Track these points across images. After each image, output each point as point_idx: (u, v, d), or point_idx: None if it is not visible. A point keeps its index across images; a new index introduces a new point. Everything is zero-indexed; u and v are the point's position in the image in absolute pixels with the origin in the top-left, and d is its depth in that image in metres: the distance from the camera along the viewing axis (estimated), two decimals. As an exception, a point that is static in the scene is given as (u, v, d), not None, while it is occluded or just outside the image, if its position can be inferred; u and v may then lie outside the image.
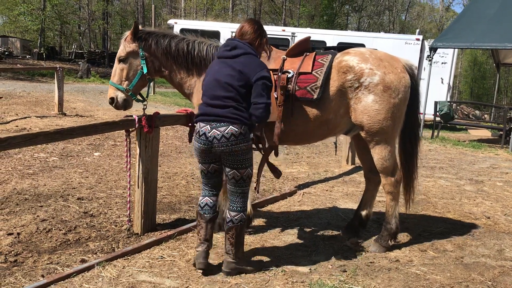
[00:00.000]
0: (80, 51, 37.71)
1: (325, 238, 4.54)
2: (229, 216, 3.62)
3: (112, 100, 4.25)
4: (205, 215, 3.69)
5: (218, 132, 3.40)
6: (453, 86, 18.46)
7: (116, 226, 4.66)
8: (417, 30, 18.64)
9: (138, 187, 4.45)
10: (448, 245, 4.53)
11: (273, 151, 4.13)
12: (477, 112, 22.41)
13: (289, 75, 4.00)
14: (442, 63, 15.74)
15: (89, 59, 33.83)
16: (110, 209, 5.11)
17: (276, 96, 3.98)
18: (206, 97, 3.52)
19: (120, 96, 4.22)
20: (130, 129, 4.36)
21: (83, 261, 3.82)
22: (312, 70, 4.01)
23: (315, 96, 3.97)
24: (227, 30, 16.79)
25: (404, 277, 3.78)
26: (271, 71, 4.01)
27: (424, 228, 4.96)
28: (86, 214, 4.92)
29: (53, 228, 4.46)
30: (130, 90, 4.21)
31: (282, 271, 3.74)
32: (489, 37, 11.40)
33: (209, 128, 3.43)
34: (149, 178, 4.47)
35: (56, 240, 4.23)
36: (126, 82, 4.21)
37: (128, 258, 3.88)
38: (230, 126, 3.39)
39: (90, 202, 5.31)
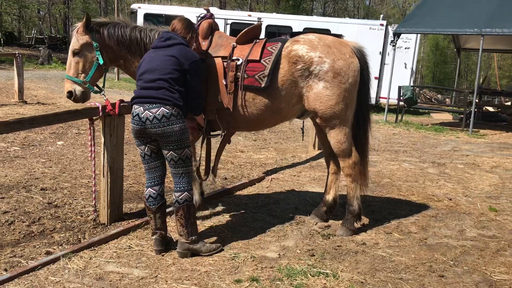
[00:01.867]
0: (40, 37, 36.37)
1: (293, 223, 4.59)
2: (174, 197, 3.71)
3: (70, 94, 4.19)
4: (151, 206, 3.76)
5: (150, 114, 3.48)
6: (416, 70, 18.80)
7: (81, 216, 4.57)
8: (381, 16, 18.85)
9: (104, 177, 4.37)
10: (413, 227, 4.65)
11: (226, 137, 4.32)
12: (439, 96, 22.94)
13: (238, 63, 4.04)
14: (406, 48, 16.01)
15: (50, 44, 32.68)
16: (75, 199, 5.00)
17: (225, 83, 4.06)
18: (141, 81, 3.63)
19: (78, 89, 4.19)
20: (94, 118, 4.27)
21: (48, 253, 3.74)
22: (260, 58, 4.05)
23: (262, 85, 4.02)
24: (192, 15, 16.53)
25: (370, 259, 3.86)
26: (220, 58, 4.11)
27: (389, 211, 5.08)
28: (51, 205, 4.80)
29: (16, 220, 4.34)
30: (87, 82, 4.19)
31: (251, 257, 3.77)
32: (450, 23, 11.65)
33: (142, 110, 3.52)
34: (114, 167, 4.39)
35: (19, 232, 4.12)
36: (83, 74, 4.18)
37: (94, 249, 3.82)
38: (162, 108, 3.48)
39: (54, 192, 5.18)
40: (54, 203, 4.84)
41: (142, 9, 17.90)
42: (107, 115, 4.22)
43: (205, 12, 4.34)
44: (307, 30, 14.81)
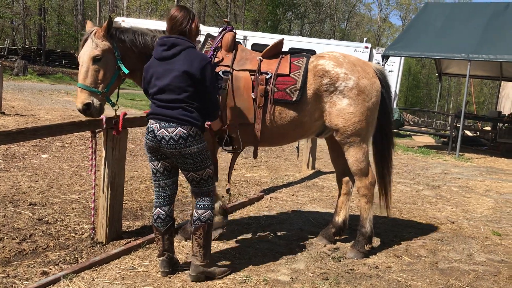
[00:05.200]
0: (13, 47, 35.62)
1: (301, 245, 4.41)
2: (196, 215, 3.47)
3: (88, 107, 3.67)
4: (159, 227, 3.54)
5: (167, 133, 3.27)
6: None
7: (76, 234, 4.30)
8: (365, 39, 19.14)
9: (103, 192, 4.12)
10: (421, 250, 4.54)
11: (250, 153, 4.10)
12: (416, 118, 23.31)
13: (267, 77, 3.91)
14: (390, 71, 16.23)
15: (24, 55, 31.99)
16: (67, 216, 4.71)
17: (254, 97, 3.91)
18: (156, 100, 3.37)
19: (96, 101, 3.71)
20: (97, 130, 4.03)
21: (44, 273, 3.45)
22: (290, 72, 3.97)
23: (294, 98, 3.94)
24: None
25: (386, 284, 3.72)
26: (248, 72, 3.95)
27: (395, 234, 4.96)
28: (41, 221, 4.51)
29: (5, 237, 4.03)
30: (106, 93, 3.77)
31: (263, 280, 3.57)
32: (437, 48, 11.85)
33: (158, 127, 3.31)
34: (115, 183, 4.15)
35: (10, 250, 3.83)
36: (102, 84, 3.73)
37: (96, 270, 3.55)
38: (179, 128, 3.26)
39: (44, 208, 4.88)
40: (45, 219, 4.55)
41: (126, 23, 17.65)
42: (110, 128, 4.00)
43: (225, 24, 4.18)
44: (293, 50, 14.85)
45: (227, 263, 3.84)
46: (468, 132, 16.05)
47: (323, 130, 4.28)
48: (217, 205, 4.24)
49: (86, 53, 3.70)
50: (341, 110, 4.03)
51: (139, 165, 7.34)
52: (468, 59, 11.33)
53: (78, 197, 5.37)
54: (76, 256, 3.82)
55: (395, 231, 5.04)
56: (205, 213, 3.44)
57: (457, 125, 12.46)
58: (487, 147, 14.21)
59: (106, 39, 3.74)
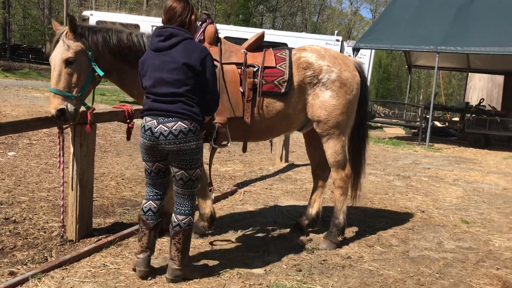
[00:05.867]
0: (-26, 42, 34.52)
1: (274, 238, 4.42)
2: (176, 220, 3.31)
3: (62, 113, 3.49)
4: (148, 221, 3.37)
5: (166, 128, 3.10)
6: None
7: (45, 232, 4.19)
8: (336, 32, 19.27)
9: (72, 190, 4.03)
10: (393, 239, 4.62)
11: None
12: (387, 110, 23.64)
13: (255, 69, 3.87)
14: (360, 63, 16.38)
15: (-14, 51, 31.06)
16: (35, 214, 4.60)
17: (242, 91, 3.85)
18: (152, 94, 3.20)
19: (71, 105, 3.53)
20: (64, 126, 3.93)
21: (12, 273, 3.36)
22: (276, 64, 3.95)
23: (282, 90, 3.92)
24: (147, 24, 16.14)
25: (359, 274, 3.76)
26: (235, 65, 3.88)
27: (368, 224, 5.03)
28: (8, 220, 4.38)
29: (-30, 238, 3.91)
30: (81, 97, 3.60)
31: (237, 274, 3.56)
32: (407, 40, 12.04)
33: (156, 123, 3.13)
34: (84, 179, 4.06)
35: (-25, 251, 3.71)
36: (76, 88, 3.56)
37: (66, 268, 3.47)
38: (179, 122, 3.11)
39: (11, 207, 4.74)
40: (12, 219, 4.42)
41: (95, 16, 17.27)
42: (77, 123, 3.90)
43: (205, 16, 4.08)
44: (265, 44, 14.83)
45: (200, 257, 3.82)
46: (437, 123, 16.37)
47: (305, 124, 4.29)
48: (207, 211, 4.16)
49: (57, 56, 3.51)
50: (324, 102, 4.05)
51: (109, 161, 7.23)
52: (437, 51, 11.55)
53: (47, 195, 5.25)
54: (45, 255, 3.73)
55: (367, 222, 5.11)
56: (186, 219, 3.31)
57: (427, 116, 12.70)
58: (455, 137, 14.54)
59: (78, 40, 3.56)
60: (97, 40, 3.65)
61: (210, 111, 3.43)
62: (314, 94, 4.06)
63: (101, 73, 3.64)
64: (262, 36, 4.13)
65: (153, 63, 3.18)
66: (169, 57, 3.14)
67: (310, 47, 4.21)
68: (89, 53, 3.60)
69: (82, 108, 3.80)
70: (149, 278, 3.37)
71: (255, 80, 3.88)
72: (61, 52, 3.51)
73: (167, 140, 3.11)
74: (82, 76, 3.58)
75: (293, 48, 4.24)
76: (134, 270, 3.42)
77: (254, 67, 3.90)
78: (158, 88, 3.15)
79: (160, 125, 3.11)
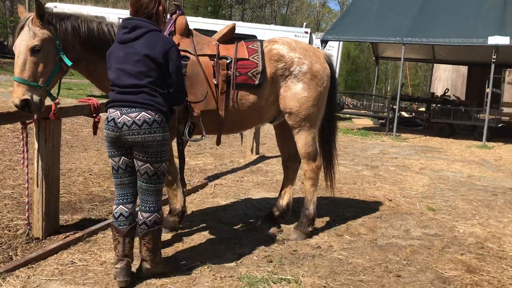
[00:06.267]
0: None
1: (245, 230, 4.44)
2: (141, 218, 3.21)
3: (26, 103, 3.31)
4: (120, 227, 3.19)
5: (129, 118, 3.02)
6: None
7: (10, 231, 4.09)
8: (304, 24, 19.35)
9: (38, 186, 3.94)
10: (361, 228, 4.70)
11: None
12: (355, 102, 23.95)
13: (228, 61, 3.84)
14: (329, 55, 16.49)
15: None
16: (-1, 212, 4.48)
17: (216, 83, 3.81)
18: (116, 86, 3.14)
19: (36, 96, 3.36)
20: (27, 121, 3.83)
21: (-25, 274, 3.27)
22: (249, 56, 3.93)
23: (256, 82, 3.91)
24: (113, 16, 15.84)
25: (328, 263, 3.82)
26: (208, 57, 3.83)
27: (337, 213, 5.10)
28: (-30, 219, 4.26)
29: None
30: (47, 87, 3.42)
31: (208, 267, 3.55)
32: (374, 32, 12.21)
33: (119, 114, 3.05)
34: (50, 176, 3.98)
35: None
36: (42, 78, 3.38)
37: (32, 267, 3.39)
38: (143, 112, 3.03)
39: (-26, 205, 4.61)
40: (-25, 217, 4.30)
41: (59, 9, 16.80)
42: (42, 118, 3.81)
43: (175, 8, 3.98)
44: (235, 36, 14.76)
45: (171, 252, 3.80)
46: (404, 114, 16.68)
47: (277, 116, 4.30)
48: (178, 206, 4.12)
49: (23, 43, 3.34)
50: (296, 95, 4.07)
51: (76, 156, 7.09)
52: (403, 43, 11.75)
53: (11, 192, 5.11)
54: (10, 254, 3.65)
55: (336, 211, 5.18)
56: (151, 217, 3.22)
57: (394, 107, 12.92)
58: (422, 127, 14.86)
59: (45, 27, 3.40)
60: (66, 28, 3.49)
61: (176, 103, 3.38)
62: (286, 86, 4.08)
63: (69, 63, 3.49)
64: (233, 28, 4.11)
65: (118, 56, 3.13)
66: (133, 49, 3.09)
67: (281, 39, 4.22)
68: (57, 41, 3.44)
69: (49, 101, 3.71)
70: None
71: (229, 72, 3.85)
72: (26, 39, 3.33)
73: (130, 130, 3.03)
74: (48, 65, 3.42)
75: (263, 40, 4.24)
76: (115, 278, 3.24)
77: (227, 59, 3.86)
78: (122, 80, 3.10)
79: (124, 116, 3.03)
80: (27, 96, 3.32)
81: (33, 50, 3.34)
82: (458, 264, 3.94)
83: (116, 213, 3.23)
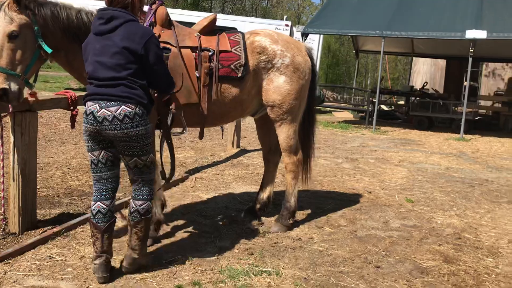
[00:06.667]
0: None
1: (226, 223, 4.43)
2: (134, 206, 3.21)
3: (5, 92, 3.21)
4: (99, 224, 3.14)
5: (109, 113, 2.95)
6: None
7: (-15, 226, 4.01)
8: (285, 17, 19.34)
9: (14, 180, 3.87)
10: (341, 220, 4.74)
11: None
12: (335, 95, 24.11)
13: (210, 53, 3.76)
14: (310, 48, 16.52)
15: None
16: (-26, 208, 4.38)
17: (198, 76, 3.74)
18: (93, 79, 3.06)
19: (14, 85, 3.24)
20: (2, 114, 3.75)
21: (-51, 270, 3.20)
22: (231, 48, 3.86)
23: (239, 74, 3.86)
24: (92, 8, 15.56)
25: (309, 254, 3.84)
26: (189, 49, 3.76)
27: (317, 206, 5.13)
28: None
29: None
30: (24, 76, 3.32)
31: (188, 261, 3.54)
32: (354, 25, 12.27)
33: (98, 107, 2.97)
34: (26, 170, 3.91)
35: None
36: (20, 65, 3.27)
37: (9, 262, 3.34)
38: (123, 106, 2.97)
39: None
40: (-51, 213, 4.20)
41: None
42: (17, 111, 3.73)
43: None
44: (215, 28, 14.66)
45: (152, 246, 3.77)
46: (383, 107, 16.85)
47: (258, 109, 4.28)
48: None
49: (3, 30, 3.21)
50: (278, 87, 4.04)
51: (54, 150, 6.98)
52: (382, 36, 11.84)
53: (-13, 187, 5.00)
54: (-14, 249, 3.58)
55: (316, 204, 5.21)
56: (144, 205, 3.22)
57: (373, 100, 13.03)
58: (401, 120, 15.03)
59: (22, 12, 3.25)
60: (45, 14, 3.35)
61: (165, 91, 3.36)
62: (268, 79, 4.06)
63: (49, 50, 3.35)
64: (214, 19, 4.02)
65: (94, 48, 3.05)
66: (110, 41, 3.01)
67: (263, 31, 4.19)
68: (35, 27, 3.31)
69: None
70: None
71: (211, 64, 3.78)
72: (3, 25, 3.20)
73: (112, 125, 2.97)
74: (27, 52, 3.30)
75: (244, 32, 4.20)
76: (94, 273, 3.20)
77: (209, 51, 3.79)
78: (99, 73, 3.02)
79: (103, 110, 2.97)
80: (4, 85, 3.21)
81: (11, 36, 3.22)
82: (436, 255, 4.01)
83: (93, 209, 3.18)
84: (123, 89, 2.99)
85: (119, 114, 2.97)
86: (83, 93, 4.41)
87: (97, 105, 2.99)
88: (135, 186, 3.26)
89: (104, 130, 3.00)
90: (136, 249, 3.26)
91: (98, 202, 3.18)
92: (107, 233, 3.18)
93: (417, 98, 13.99)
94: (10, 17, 3.22)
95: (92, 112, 3.00)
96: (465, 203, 5.66)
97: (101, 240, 3.15)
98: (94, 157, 3.13)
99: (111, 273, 3.20)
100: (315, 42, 16.45)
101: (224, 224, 4.41)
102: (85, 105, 3.10)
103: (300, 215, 4.73)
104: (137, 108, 3.02)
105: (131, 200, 3.27)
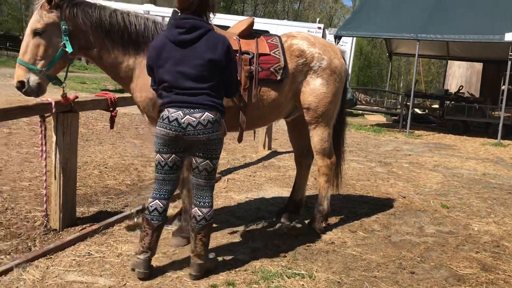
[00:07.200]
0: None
1: (258, 224, 4.46)
2: (200, 214, 3.25)
3: (22, 85, 3.39)
4: (153, 221, 3.23)
5: (193, 119, 3.03)
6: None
7: (28, 222, 4.17)
8: (317, 19, 19.29)
9: (55, 179, 4.01)
10: (375, 225, 4.70)
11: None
12: (368, 98, 23.85)
13: (250, 56, 3.78)
14: (342, 51, 16.42)
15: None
16: (17, 204, 4.56)
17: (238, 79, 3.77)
18: (174, 88, 3.09)
19: (33, 79, 3.40)
20: (46, 115, 3.88)
21: (-5, 264, 3.34)
22: (270, 51, 3.87)
23: (279, 77, 3.87)
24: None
25: (342, 258, 3.83)
26: None
27: (350, 210, 5.10)
28: (-10, 210, 4.34)
29: (-48, 228, 3.86)
30: (46, 72, 3.43)
31: (222, 261, 3.59)
32: (388, 28, 12.13)
33: (182, 114, 3.04)
34: (67, 168, 4.04)
35: (-43, 241, 3.67)
36: (42, 61, 3.40)
37: (51, 257, 3.45)
38: (206, 113, 3.06)
39: (-8, 196, 4.69)
40: (-6, 209, 4.38)
41: None
42: (60, 112, 3.86)
43: None
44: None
45: (186, 247, 3.83)
46: (417, 110, 16.57)
47: (292, 112, 4.29)
48: None
49: (29, 26, 3.41)
50: (314, 90, 4.04)
51: (92, 150, 7.16)
52: (417, 39, 11.65)
53: (29, 184, 5.19)
54: (29, 244, 3.72)
55: (350, 208, 5.18)
56: (210, 212, 3.29)
57: (407, 103, 12.85)
58: (435, 124, 14.76)
59: (52, 11, 3.39)
60: (76, 13, 3.45)
61: (232, 95, 3.50)
62: (305, 82, 4.05)
63: (70, 50, 3.43)
64: (252, 23, 4.02)
65: (174, 57, 3.07)
66: (192, 52, 3.06)
67: (300, 34, 4.17)
68: (63, 26, 3.41)
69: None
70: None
71: (251, 67, 3.78)
72: (32, 22, 3.39)
73: (195, 130, 3.05)
74: (50, 49, 3.42)
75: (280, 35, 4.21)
76: (133, 270, 3.29)
77: (249, 54, 3.80)
78: (180, 82, 3.07)
79: (187, 116, 3.04)
80: (22, 78, 3.38)
81: (35, 33, 3.38)
82: (473, 262, 3.93)
83: (151, 206, 3.25)
84: (205, 97, 3.08)
85: (204, 120, 3.05)
86: (121, 95, 4.56)
87: (180, 112, 3.06)
88: (199, 192, 3.30)
89: (187, 135, 3.07)
90: (201, 254, 3.30)
91: (157, 200, 3.26)
92: (157, 231, 3.27)
93: (452, 102, 13.70)
94: (39, 16, 3.38)
95: (176, 119, 3.05)
96: (503, 210, 5.52)
97: (150, 237, 3.24)
98: (163, 160, 3.19)
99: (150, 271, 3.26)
100: (347, 44, 16.36)
101: (256, 225, 4.43)
102: (164, 111, 3.12)
103: (333, 218, 4.72)
104: (217, 115, 3.13)
105: (196, 208, 3.29)
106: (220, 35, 3.19)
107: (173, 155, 3.18)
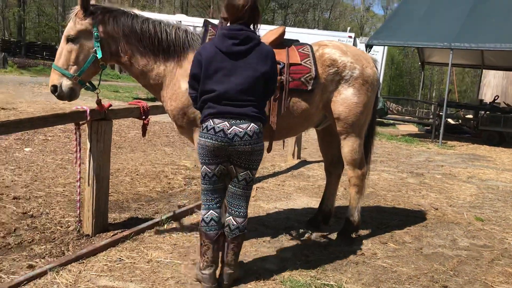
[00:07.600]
0: (-9, 40, 34.97)
1: (288, 234, 4.44)
2: (235, 223, 3.26)
3: (55, 89, 3.54)
4: (210, 232, 3.21)
5: (240, 129, 3.03)
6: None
7: (61, 227, 4.27)
8: (348, 28, 19.20)
9: (89, 185, 4.09)
10: (406, 236, 4.61)
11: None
12: (399, 107, 23.51)
13: (280, 66, 3.75)
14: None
15: (4, 48, 31.41)
16: (52, 209, 4.68)
17: None
18: (223, 99, 3.06)
19: (66, 83, 3.54)
20: (80, 122, 3.98)
21: (30, 266, 3.44)
22: (301, 61, 3.84)
23: (309, 87, 3.82)
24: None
25: (372, 270, 3.77)
26: None
27: (380, 221, 5.02)
28: (26, 214, 4.46)
29: (-11, 232, 3.99)
30: (78, 77, 3.56)
31: (251, 270, 3.58)
32: (420, 36, 11.94)
33: (228, 125, 3.03)
34: (100, 175, 4.12)
35: (-5, 244, 3.79)
36: (75, 67, 3.53)
37: (83, 262, 3.53)
38: (252, 124, 3.06)
39: (28, 201, 4.83)
40: (30, 213, 4.51)
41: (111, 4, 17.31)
42: (94, 120, 3.96)
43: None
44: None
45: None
46: (450, 120, 16.22)
47: (322, 121, 4.24)
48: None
49: (64, 33, 3.59)
50: (346, 100, 3.97)
51: (124, 157, 7.29)
52: (450, 48, 11.43)
53: (63, 190, 5.32)
54: (63, 249, 3.81)
55: (380, 219, 5.10)
56: (244, 222, 3.28)
57: (440, 113, 12.60)
58: (469, 134, 14.41)
59: (85, 18, 3.51)
60: (108, 21, 3.57)
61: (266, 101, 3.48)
62: (337, 91, 3.99)
63: (100, 55, 3.55)
64: (283, 32, 3.97)
65: (225, 67, 3.05)
66: (244, 63, 3.05)
67: (331, 43, 4.12)
68: (95, 33, 3.53)
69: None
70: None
71: (282, 77, 3.75)
72: (66, 29, 3.55)
73: (242, 141, 3.04)
74: (81, 55, 3.55)
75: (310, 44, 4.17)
76: (198, 281, 3.32)
77: (280, 64, 3.75)
78: (231, 93, 3.05)
79: (234, 127, 3.04)
80: (56, 83, 3.54)
81: (68, 39, 3.53)
82: (510, 277, 3.81)
83: (206, 217, 3.24)
84: (252, 108, 3.07)
85: (250, 130, 3.05)
86: (153, 103, 4.64)
87: (226, 122, 3.04)
88: (235, 201, 3.28)
89: (233, 146, 3.06)
90: (232, 264, 3.31)
91: (211, 211, 3.25)
92: (217, 242, 3.26)
93: (487, 112, 13.37)
94: (74, 23, 3.53)
95: (222, 130, 3.04)
96: (541, 224, 5.33)
97: (212, 250, 3.24)
98: (210, 171, 3.17)
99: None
100: (379, 53, 16.19)
101: (285, 234, 4.41)
102: (208, 122, 3.09)
103: (363, 229, 4.65)
104: (261, 126, 3.15)
105: (231, 218, 3.29)
106: (268, 47, 3.18)
107: (220, 165, 3.15)
